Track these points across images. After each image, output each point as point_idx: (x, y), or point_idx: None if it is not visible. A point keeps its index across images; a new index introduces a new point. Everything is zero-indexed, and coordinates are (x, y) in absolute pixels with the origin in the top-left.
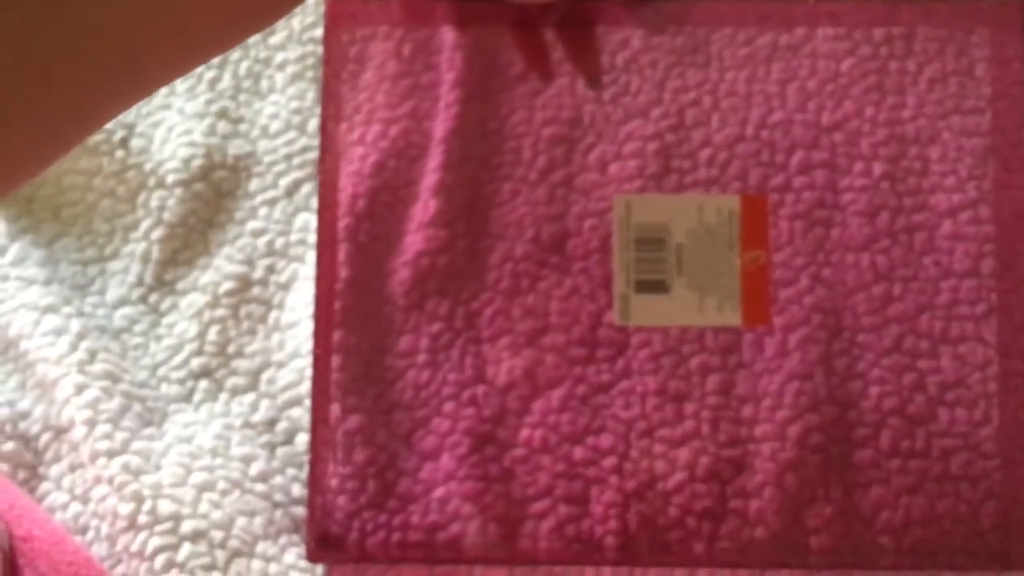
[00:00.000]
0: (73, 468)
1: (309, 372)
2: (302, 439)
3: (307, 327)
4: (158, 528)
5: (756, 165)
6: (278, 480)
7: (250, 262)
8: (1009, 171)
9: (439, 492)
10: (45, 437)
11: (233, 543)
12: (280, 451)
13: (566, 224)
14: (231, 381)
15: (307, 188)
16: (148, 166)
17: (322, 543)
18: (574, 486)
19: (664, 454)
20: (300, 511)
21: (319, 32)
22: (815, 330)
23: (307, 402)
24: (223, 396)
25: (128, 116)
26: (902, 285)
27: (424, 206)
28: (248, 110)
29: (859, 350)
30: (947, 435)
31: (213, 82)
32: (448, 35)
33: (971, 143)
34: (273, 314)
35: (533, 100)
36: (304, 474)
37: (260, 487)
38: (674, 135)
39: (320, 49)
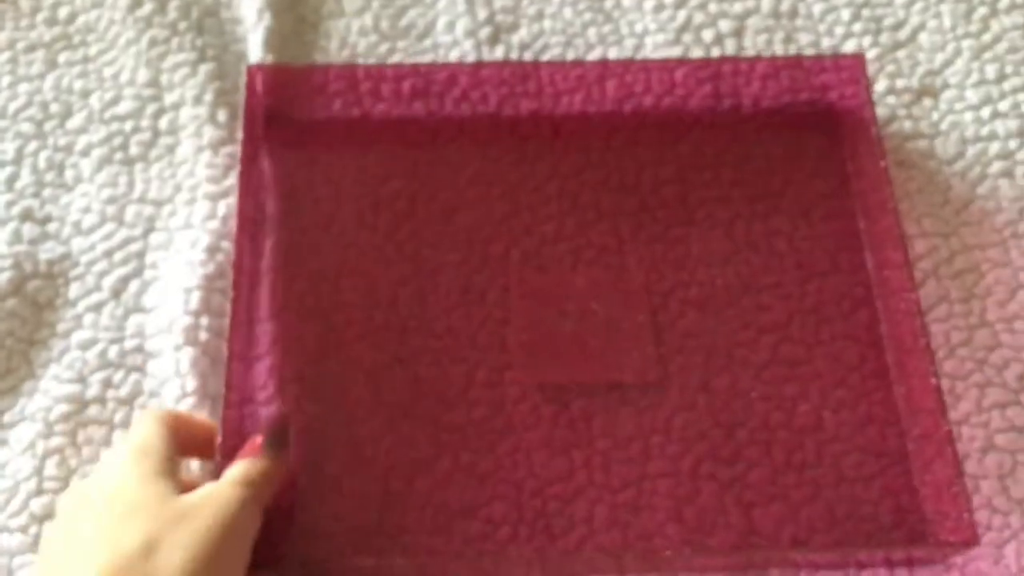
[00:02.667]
0: None
1: None
2: None
3: None
4: None
5: None
6: None
7: (82, 379)
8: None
9: None
10: None
11: None
12: None
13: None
14: None
15: (135, 285)
16: None
17: None
18: (472, 562)
19: (560, 511)
20: None
21: (123, 108)
22: (690, 355)
23: None
24: None
25: None
26: (769, 292)
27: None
28: (55, 206)
29: (738, 367)
30: (836, 440)
31: (10, 180)
32: None
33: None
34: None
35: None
36: None
37: None
38: None
39: (127, 126)
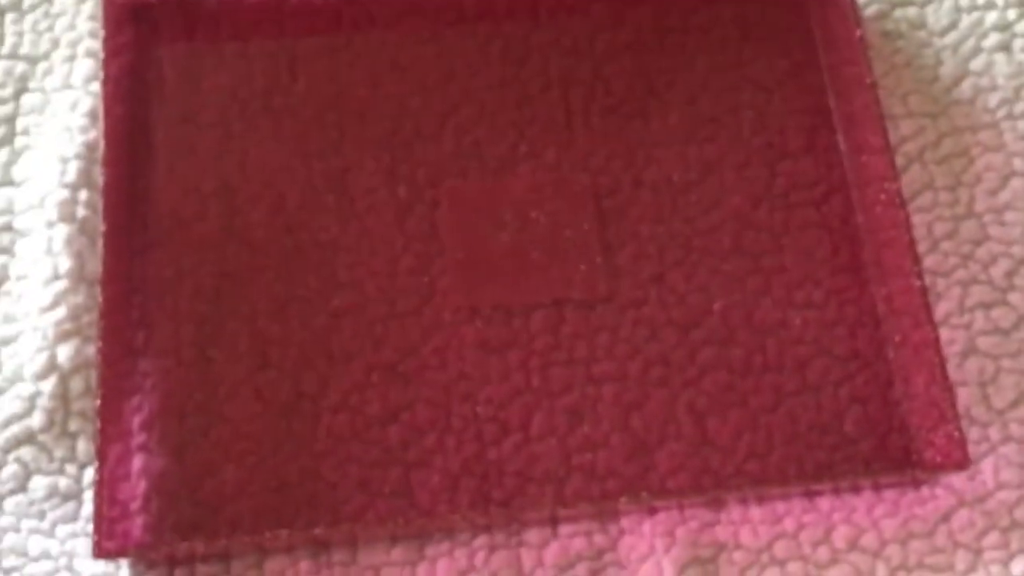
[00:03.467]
0: None
1: (40, 400)
2: (39, 483)
3: (31, 340)
4: None
5: None
6: (9, 540)
7: None
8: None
9: (229, 511)
10: None
11: None
12: (9, 502)
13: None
14: None
15: (4, 155)
16: None
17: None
18: (392, 474)
19: (492, 417)
20: (42, 568)
21: None
22: (643, 244)
23: (41, 438)
24: None
25: None
26: (733, 174)
27: None
28: None
29: (696, 259)
30: (801, 342)
31: None
32: None
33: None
34: None
35: None
36: (44, 524)
37: None
38: None
39: None
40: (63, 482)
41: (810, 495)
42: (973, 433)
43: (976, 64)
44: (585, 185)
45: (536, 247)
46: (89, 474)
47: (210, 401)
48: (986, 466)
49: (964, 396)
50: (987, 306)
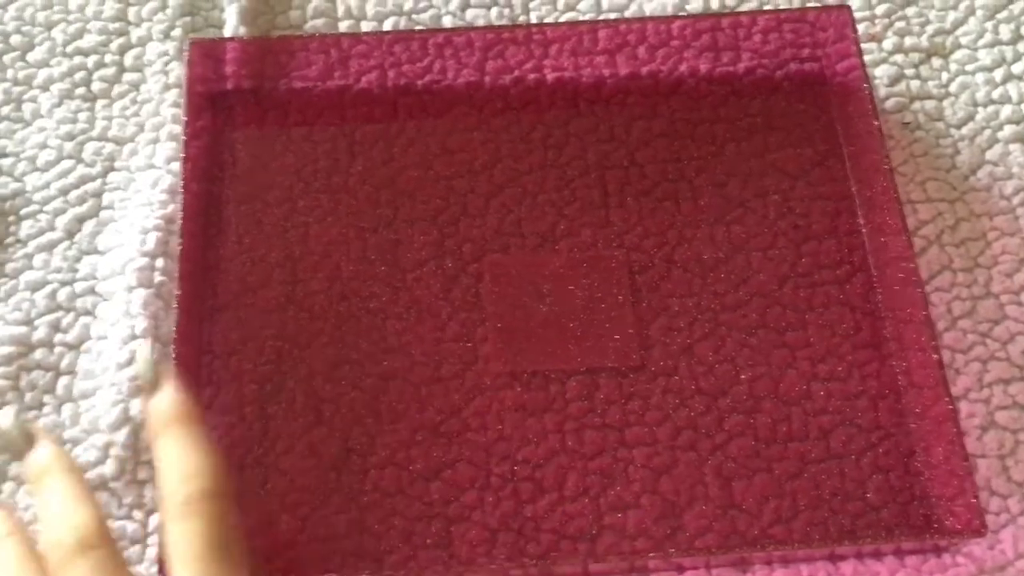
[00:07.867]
0: None
1: (113, 449)
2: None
3: (107, 395)
4: None
5: None
6: None
7: (29, 321)
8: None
9: (282, 558)
10: None
11: None
12: None
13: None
14: (15, 468)
15: (90, 226)
16: None
17: None
18: (434, 527)
19: (529, 476)
20: None
21: (87, 41)
22: (673, 317)
23: (113, 484)
24: (6, 487)
25: None
26: (760, 254)
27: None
28: (10, 141)
29: (724, 333)
30: (824, 412)
31: None
32: None
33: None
34: (63, 381)
35: None
36: None
37: None
38: None
39: (90, 60)
40: (131, 527)
41: (834, 559)
42: (993, 504)
43: (992, 154)
44: (620, 261)
45: (573, 318)
46: (155, 520)
47: (267, 455)
48: (1005, 536)
49: (984, 468)
50: (1005, 382)
